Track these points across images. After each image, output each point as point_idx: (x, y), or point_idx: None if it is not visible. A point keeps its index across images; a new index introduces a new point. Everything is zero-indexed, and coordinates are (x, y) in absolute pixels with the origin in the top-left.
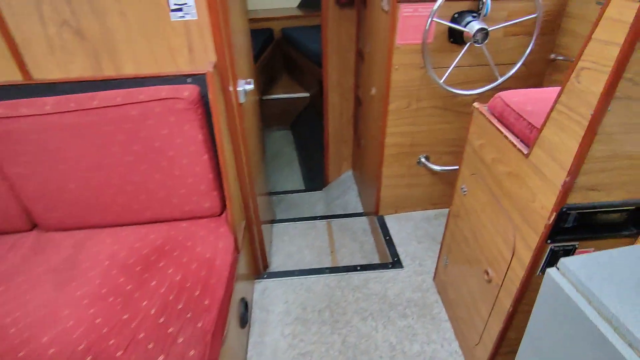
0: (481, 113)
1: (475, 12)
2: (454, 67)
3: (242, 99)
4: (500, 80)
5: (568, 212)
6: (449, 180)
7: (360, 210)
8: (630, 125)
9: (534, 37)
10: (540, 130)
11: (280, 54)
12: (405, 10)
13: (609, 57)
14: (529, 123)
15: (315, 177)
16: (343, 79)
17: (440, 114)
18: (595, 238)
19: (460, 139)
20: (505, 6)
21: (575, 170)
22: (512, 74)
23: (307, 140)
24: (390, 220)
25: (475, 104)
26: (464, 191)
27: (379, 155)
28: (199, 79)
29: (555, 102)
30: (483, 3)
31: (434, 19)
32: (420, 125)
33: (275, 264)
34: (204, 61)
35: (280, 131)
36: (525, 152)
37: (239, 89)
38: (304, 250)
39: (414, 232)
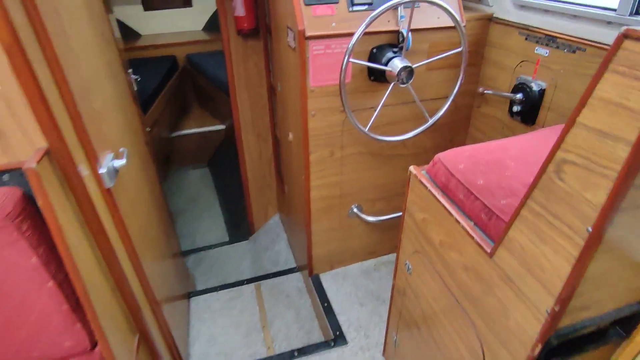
0: (420, 182)
1: (395, 45)
2: (378, 109)
3: (108, 183)
4: (430, 121)
5: (556, 339)
6: (385, 227)
7: (292, 263)
8: (639, 234)
9: (462, 72)
10: (506, 229)
11: (190, 83)
12: (315, 48)
13: (610, 156)
14: (485, 205)
15: (240, 224)
16: (257, 117)
17: (369, 159)
18: (583, 351)
19: (393, 183)
20: (426, 37)
21: (566, 298)
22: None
23: (227, 179)
24: (327, 280)
25: (412, 169)
26: (409, 269)
27: (306, 211)
28: (20, 175)
29: (526, 197)
30: (403, 36)
31: (350, 60)
32: (348, 174)
33: (195, 356)
34: (27, 149)
35: (197, 170)
36: (488, 249)
37: (102, 170)
38: (229, 329)
39: (354, 291)
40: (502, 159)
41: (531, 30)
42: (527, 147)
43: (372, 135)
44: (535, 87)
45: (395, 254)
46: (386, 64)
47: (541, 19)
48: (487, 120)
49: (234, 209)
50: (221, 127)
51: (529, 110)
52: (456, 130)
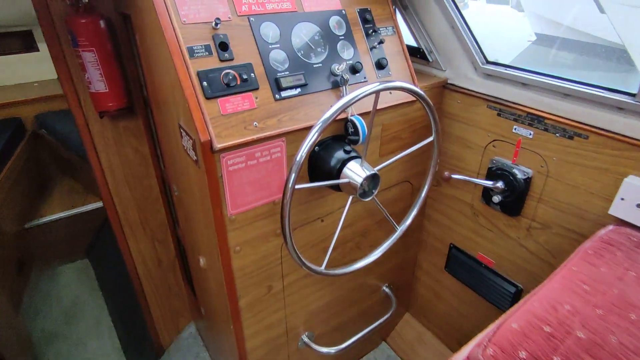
0: None
1: (343, 138)
2: (335, 240)
3: None
4: (399, 231)
5: None
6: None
7: None
8: None
9: (433, 164)
10: None
11: (47, 151)
12: (232, 162)
13: None
14: None
15: (142, 344)
16: (149, 215)
17: (317, 280)
18: None
19: (348, 293)
20: (378, 120)
21: None
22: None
23: (116, 273)
24: None
25: None
26: None
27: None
28: None
29: None
30: (354, 126)
31: (295, 187)
32: (294, 305)
33: None
34: None
35: (72, 265)
36: None
37: None
38: None
39: None
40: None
41: (506, 105)
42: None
43: (333, 272)
44: (520, 175)
45: None
46: (339, 170)
47: (519, 93)
48: (451, 203)
49: (130, 321)
50: (99, 204)
51: (513, 201)
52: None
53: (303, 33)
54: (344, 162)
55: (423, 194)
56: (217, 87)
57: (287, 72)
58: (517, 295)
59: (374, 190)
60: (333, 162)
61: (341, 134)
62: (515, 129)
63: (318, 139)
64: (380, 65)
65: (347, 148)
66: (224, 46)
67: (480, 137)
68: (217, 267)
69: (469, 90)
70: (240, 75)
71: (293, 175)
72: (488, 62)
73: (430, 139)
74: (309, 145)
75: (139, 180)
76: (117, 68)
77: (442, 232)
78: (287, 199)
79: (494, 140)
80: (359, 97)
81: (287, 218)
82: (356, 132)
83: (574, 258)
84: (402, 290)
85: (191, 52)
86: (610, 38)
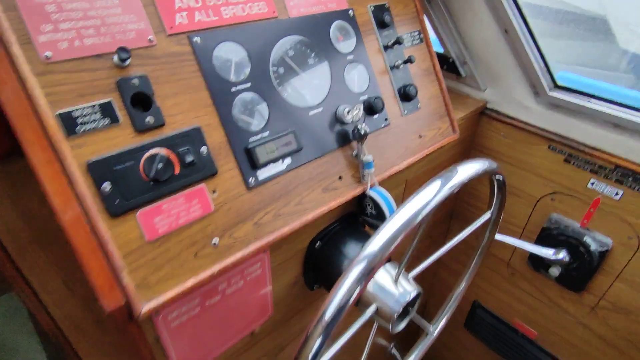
0: None
1: (355, 221)
2: None
3: None
4: (432, 334)
5: None
6: None
7: None
8: None
9: (482, 246)
10: None
11: None
12: (176, 313)
13: None
14: None
15: None
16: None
17: None
18: None
19: None
20: (399, 178)
21: None
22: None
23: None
24: None
25: None
26: None
27: None
28: None
29: None
30: (377, 205)
31: None
32: None
33: None
34: None
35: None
36: None
37: None
38: None
39: None
40: None
41: (580, 150)
42: None
43: None
44: (594, 246)
45: None
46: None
47: (605, 135)
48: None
49: None
50: None
51: (577, 275)
52: None
53: (290, 56)
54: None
55: (461, 288)
56: (134, 188)
57: (267, 134)
58: None
59: (410, 309)
60: (346, 262)
61: (353, 212)
62: (592, 183)
63: (357, 296)
64: (406, 96)
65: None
66: (142, 101)
67: (533, 186)
68: None
69: (521, 121)
70: (179, 156)
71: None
72: (557, 87)
73: (487, 216)
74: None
75: (53, 237)
76: None
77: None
78: None
79: (555, 193)
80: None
81: None
82: (380, 216)
83: None
84: (410, 343)
85: (68, 125)
86: None
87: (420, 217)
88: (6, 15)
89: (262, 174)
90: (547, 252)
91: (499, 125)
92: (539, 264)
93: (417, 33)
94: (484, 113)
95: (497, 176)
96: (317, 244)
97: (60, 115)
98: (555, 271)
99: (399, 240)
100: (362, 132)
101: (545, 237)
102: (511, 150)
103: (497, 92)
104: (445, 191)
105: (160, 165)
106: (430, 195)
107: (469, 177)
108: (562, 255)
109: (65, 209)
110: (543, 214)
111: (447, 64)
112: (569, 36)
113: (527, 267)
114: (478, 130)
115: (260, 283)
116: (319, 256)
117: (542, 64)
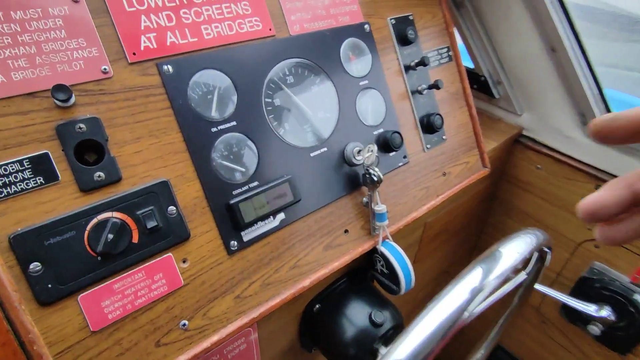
0: None
1: (367, 273)
2: None
3: None
4: None
5: None
6: None
7: None
8: None
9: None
10: None
11: None
12: None
13: None
14: None
15: None
16: None
17: None
18: None
19: None
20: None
21: None
22: None
23: None
24: None
25: None
26: None
27: None
28: None
29: None
30: (389, 263)
31: None
32: None
33: None
34: None
35: None
36: None
37: None
38: None
39: None
40: None
41: None
42: None
43: None
44: None
45: None
46: None
47: None
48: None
49: None
50: None
51: (622, 336)
52: None
53: (288, 84)
54: (373, 354)
55: (492, 339)
56: (75, 267)
57: (255, 184)
58: None
59: None
60: (352, 348)
61: (362, 268)
62: None
63: None
64: (430, 127)
65: (378, 317)
66: (91, 150)
67: (572, 228)
68: None
69: (562, 154)
70: (139, 221)
71: None
72: None
73: (522, 278)
74: None
75: None
76: None
77: (484, 326)
78: None
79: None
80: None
81: None
82: (393, 278)
83: None
84: None
85: None
86: None
87: (450, 328)
88: None
89: (248, 234)
90: (588, 308)
91: (534, 156)
92: (575, 316)
93: (445, 50)
94: (518, 141)
95: (545, 248)
96: (316, 307)
97: None
98: (595, 329)
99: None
100: (376, 178)
101: (584, 288)
102: (548, 185)
103: (535, 117)
104: (490, 285)
105: (110, 236)
106: (465, 292)
107: (516, 261)
108: (606, 312)
109: None
110: (583, 262)
111: (477, 83)
112: (613, 38)
113: (560, 317)
114: (510, 159)
115: (247, 358)
116: (318, 320)
117: (596, 91)
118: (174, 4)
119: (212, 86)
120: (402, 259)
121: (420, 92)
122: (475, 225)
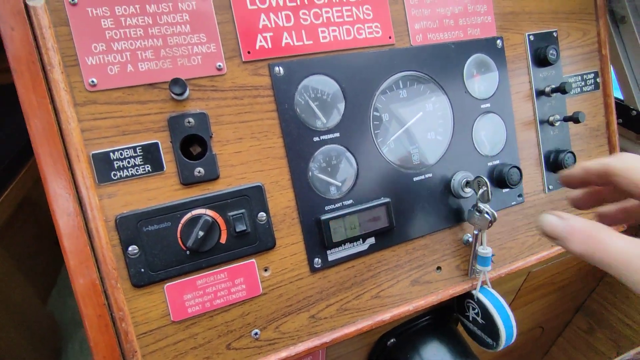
0: None
1: (450, 316)
2: None
3: None
4: None
5: None
6: None
7: None
8: None
9: None
10: None
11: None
12: None
13: None
14: None
15: None
16: None
17: None
18: None
19: None
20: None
21: None
22: None
23: None
24: None
25: None
26: None
27: None
28: None
29: None
30: (486, 312)
31: None
32: None
33: None
34: None
35: None
36: None
37: None
38: None
39: None
40: None
41: None
42: None
43: None
44: None
45: None
46: None
47: None
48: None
49: None
50: None
51: None
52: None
53: (401, 98)
54: None
55: None
56: (166, 257)
57: (349, 202)
58: None
59: None
60: None
61: (448, 307)
62: None
63: None
64: (557, 166)
65: None
66: (197, 144)
67: None
68: None
69: None
70: (229, 223)
71: None
72: None
73: None
74: None
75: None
76: None
77: None
78: None
79: None
80: None
81: None
82: (490, 331)
83: None
84: None
85: (102, 169)
86: None
87: None
88: (54, 32)
89: (334, 254)
90: None
91: None
92: None
93: (592, 76)
94: None
95: None
96: (391, 340)
97: (95, 156)
98: None
99: None
100: (490, 217)
101: None
102: None
103: None
104: None
105: (201, 233)
106: None
107: None
108: None
109: (80, 271)
110: None
111: (624, 117)
112: None
113: None
114: None
115: None
116: (391, 356)
117: None
118: (294, 4)
119: (321, 92)
120: (504, 311)
121: (551, 124)
122: (586, 283)
